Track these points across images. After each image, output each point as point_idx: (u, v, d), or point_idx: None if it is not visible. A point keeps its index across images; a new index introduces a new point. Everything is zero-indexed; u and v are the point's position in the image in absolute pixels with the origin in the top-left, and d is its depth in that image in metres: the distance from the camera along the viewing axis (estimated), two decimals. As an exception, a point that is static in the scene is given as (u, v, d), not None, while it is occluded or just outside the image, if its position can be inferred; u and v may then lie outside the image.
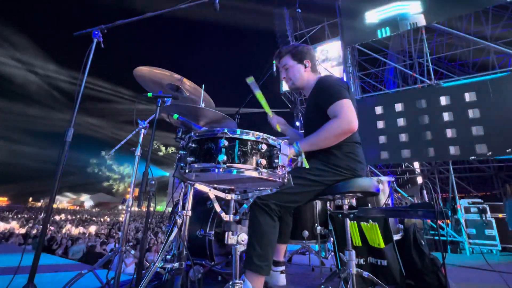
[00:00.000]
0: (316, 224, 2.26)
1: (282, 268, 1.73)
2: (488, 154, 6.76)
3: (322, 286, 1.63)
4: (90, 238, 8.28)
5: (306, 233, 2.22)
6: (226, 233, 1.10)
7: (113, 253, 1.82)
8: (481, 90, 7.08)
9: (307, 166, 1.26)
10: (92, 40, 1.60)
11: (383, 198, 2.24)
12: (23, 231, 10.00)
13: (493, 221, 5.97)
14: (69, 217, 19.46)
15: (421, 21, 8.32)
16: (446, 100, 7.39)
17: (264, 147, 1.03)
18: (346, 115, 1.44)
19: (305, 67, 1.77)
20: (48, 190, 1.36)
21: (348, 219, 1.59)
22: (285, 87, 12.04)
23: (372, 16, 9.36)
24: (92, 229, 11.80)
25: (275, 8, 12.98)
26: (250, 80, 1.78)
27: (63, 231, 10.90)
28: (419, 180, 11.21)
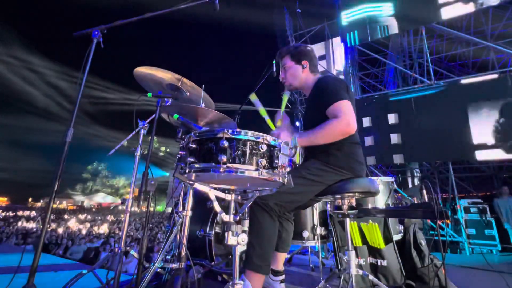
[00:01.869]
0: (316, 224, 2.26)
1: (282, 277, 1.71)
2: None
3: (322, 286, 1.63)
4: (92, 239, 8.29)
5: (306, 233, 2.22)
6: (226, 233, 1.10)
7: (113, 253, 1.82)
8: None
9: (298, 161, 1.27)
10: (92, 40, 1.60)
11: (383, 198, 2.24)
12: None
13: (493, 221, 5.99)
14: (70, 216, 19.46)
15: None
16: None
17: (264, 147, 1.03)
18: (345, 116, 1.44)
19: (303, 67, 1.77)
20: (48, 190, 1.35)
21: (348, 219, 1.59)
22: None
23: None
24: (93, 229, 11.81)
25: (275, 8, 12.99)
26: (253, 97, 1.80)
27: (63, 229, 10.92)
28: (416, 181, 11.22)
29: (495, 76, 6.71)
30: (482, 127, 6.44)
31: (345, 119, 1.44)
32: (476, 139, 6.45)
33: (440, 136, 6.77)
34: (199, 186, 1.22)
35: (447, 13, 7.51)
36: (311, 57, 1.80)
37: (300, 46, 1.84)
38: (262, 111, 1.83)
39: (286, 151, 1.09)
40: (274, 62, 2.33)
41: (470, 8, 7.34)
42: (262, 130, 1.08)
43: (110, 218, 21.23)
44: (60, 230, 10.73)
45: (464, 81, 7.07)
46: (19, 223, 13.52)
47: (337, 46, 11.38)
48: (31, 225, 13.13)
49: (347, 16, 8.92)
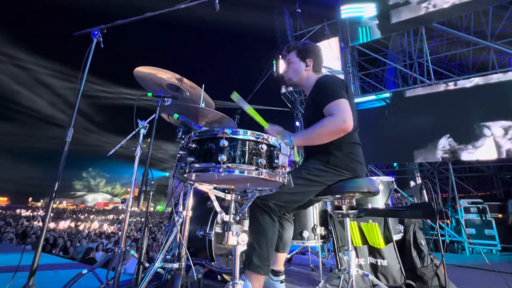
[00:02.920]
0: (316, 224, 2.26)
1: (282, 277, 1.71)
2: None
3: (322, 286, 1.63)
4: (93, 239, 8.29)
5: (306, 233, 2.22)
6: (226, 233, 1.10)
7: (112, 253, 1.82)
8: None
9: (297, 159, 1.25)
10: (92, 40, 1.59)
11: (383, 198, 2.24)
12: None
13: (493, 221, 5.98)
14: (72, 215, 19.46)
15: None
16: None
17: (264, 147, 1.02)
18: (342, 114, 1.44)
19: (307, 65, 1.78)
20: (48, 190, 1.35)
21: (348, 219, 1.59)
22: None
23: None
24: (93, 229, 11.81)
25: (275, 8, 12.98)
26: (235, 96, 1.70)
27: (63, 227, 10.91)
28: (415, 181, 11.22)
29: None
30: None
31: (341, 116, 1.43)
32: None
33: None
34: (199, 186, 1.22)
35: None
36: (317, 56, 1.81)
37: (308, 43, 1.85)
38: (250, 110, 1.76)
39: (286, 151, 1.08)
40: (274, 62, 2.33)
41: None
42: (262, 130, 1.08)
43: (109, 217, 21.22)
44: (60, 230, 10.73)
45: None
46: (19, 223, 13.52)
47: (324, 45, 11.36)
48: (31, 224, 13.12)
49: (342, 14, 8.88)
